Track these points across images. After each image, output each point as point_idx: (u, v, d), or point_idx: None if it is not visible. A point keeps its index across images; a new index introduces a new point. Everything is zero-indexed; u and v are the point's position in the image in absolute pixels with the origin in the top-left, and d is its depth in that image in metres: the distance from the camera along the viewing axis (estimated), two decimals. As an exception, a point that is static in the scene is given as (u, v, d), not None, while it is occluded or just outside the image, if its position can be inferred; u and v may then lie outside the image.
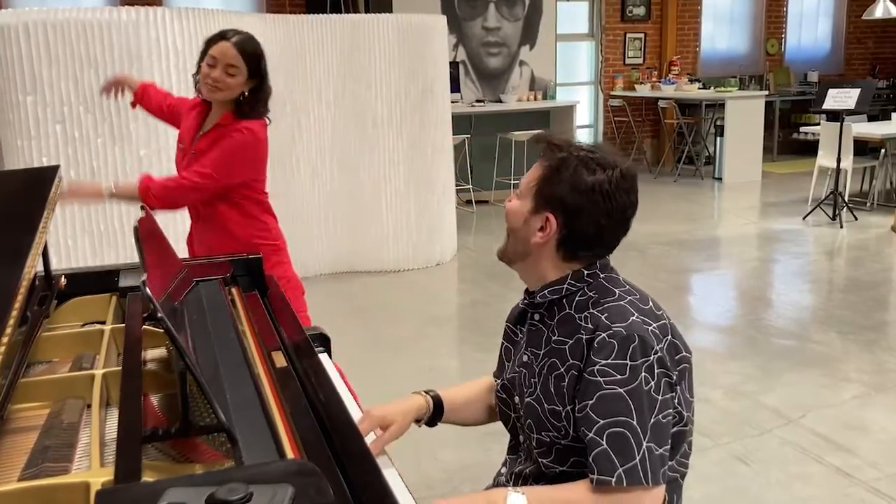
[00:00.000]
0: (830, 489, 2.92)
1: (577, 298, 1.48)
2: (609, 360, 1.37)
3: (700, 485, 2.86)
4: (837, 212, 7.18)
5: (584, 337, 1.41)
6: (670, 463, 1.44)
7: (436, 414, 1.69)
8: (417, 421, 1.67)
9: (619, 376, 1.35)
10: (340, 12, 7.77)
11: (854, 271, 5.91)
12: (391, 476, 1.40)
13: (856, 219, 7.29)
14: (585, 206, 1.43)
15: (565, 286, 1.48)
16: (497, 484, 1.65)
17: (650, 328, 1.40)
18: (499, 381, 1.67)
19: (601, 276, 1.49)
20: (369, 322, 3.76)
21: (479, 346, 4.42)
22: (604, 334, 1.39)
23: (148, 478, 1.16)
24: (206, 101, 2.74)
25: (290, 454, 1.22)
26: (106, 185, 2.62)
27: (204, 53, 2.63)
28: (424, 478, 2.96)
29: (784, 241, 6.77)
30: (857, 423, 3.43)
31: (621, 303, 1.44)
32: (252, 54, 2.62)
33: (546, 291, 1.50)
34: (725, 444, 3.21)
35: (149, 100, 3.02)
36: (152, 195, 2.56)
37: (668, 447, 1.39)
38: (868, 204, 7.89)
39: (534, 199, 1.47)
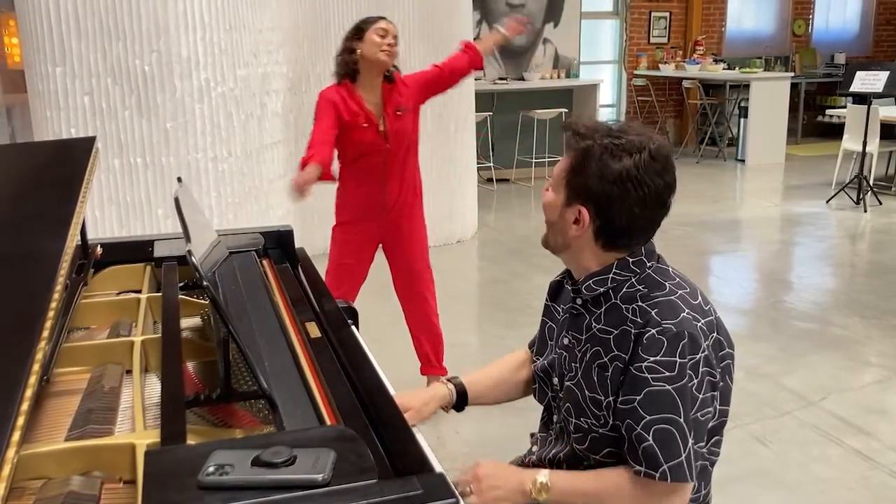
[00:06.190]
0: (849, 472, 2.93)
1: (624, 290, 1.44)
2: (658, 357, 1.34)
3: (719, 465, 2.86)
4: (862, 195, 7.11)
5: (633, 331, 1.38)
6: (702, 451, 1.44)
7: (461, 400, 1.69)
8: (444, 408, 1.68)
9: (667, 373, 1.34)
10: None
11: (877, 255, 5.86)
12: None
13: (880, 203, 7.21)
14: (616, 196, 1.37)
15: (610, 276, 1.45)
16: (524, 463, 1.67)
17: (699, 324, 1.38)
18: (539, 359, 1.66)
19: (648, 265, 1.45)
20: (389, 298, 3.79)
21: (499, 323, 4.44)
22: (653, 330, 1.35)
23: (190, 441, 1.20)
24: (340, 85, 3.12)
25: (327, 421, 1.26)
26: None
27: (359, 32, 3.09)
28: (447, 452, 2.99)
29: (807, 224, 6.72)
30: (878, 406, 3.42)
31: (672, 297, 1.40)
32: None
33: (591, 283, 1.46)
34: (745, 425, 3.22)
35: (332, 159, 3.06)
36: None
37: (703, 444, 1.41)
38: (893, 188, 7.80)
39: (565, 192, 1.43)
